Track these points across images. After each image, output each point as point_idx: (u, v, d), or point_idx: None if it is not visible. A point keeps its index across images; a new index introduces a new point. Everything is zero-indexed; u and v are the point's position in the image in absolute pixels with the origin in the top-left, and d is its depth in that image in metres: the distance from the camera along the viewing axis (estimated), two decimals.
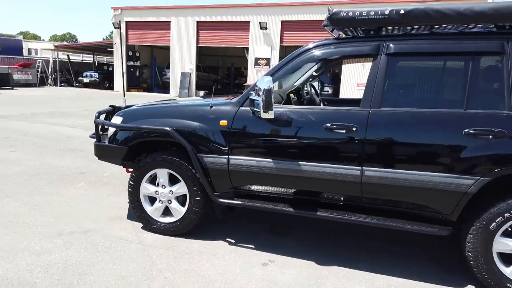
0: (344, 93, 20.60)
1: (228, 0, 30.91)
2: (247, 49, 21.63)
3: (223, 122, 3.38)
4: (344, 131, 3.06)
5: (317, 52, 3.30)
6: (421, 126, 2.94)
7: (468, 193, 2.84)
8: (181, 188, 3.60)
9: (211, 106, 3.49)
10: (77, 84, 28.06)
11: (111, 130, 3.86)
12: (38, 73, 26.84)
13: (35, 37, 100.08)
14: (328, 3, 20.07)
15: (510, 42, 2.84)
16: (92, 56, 33.18)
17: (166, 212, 3.74)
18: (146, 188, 3.72)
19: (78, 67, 31.41)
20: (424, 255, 3.56)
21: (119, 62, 24.43)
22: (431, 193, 2.93)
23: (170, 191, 3.64)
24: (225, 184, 3.48)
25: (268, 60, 21.26)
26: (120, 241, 3.53)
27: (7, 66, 24.28)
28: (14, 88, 23.33)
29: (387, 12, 3.02)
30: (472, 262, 2.93)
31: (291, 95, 4.28)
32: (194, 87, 23.02)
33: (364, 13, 3.08)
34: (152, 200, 3.77)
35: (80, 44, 31.89)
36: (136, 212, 3.79)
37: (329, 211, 3.22)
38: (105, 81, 26.70)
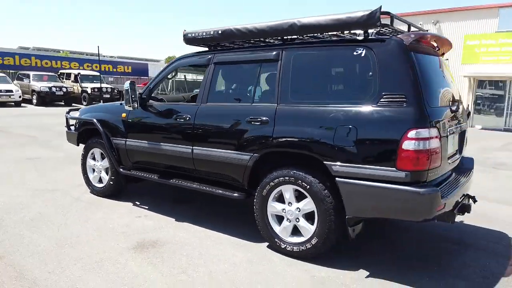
0: None
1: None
2: None
3: (124, 115, 4.78)
4: (182, 120, 4.19)
5: (176, 63, 4.50)
6: (225, 116, 3.92)
7: (248, 166, 3.71)
8: (105, 162, 5.10)
9: (121, 104, 4.92)
10: None
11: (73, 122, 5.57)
12: (158, 91, 31.53)
13: None
14: None
15: (284, 51, 3.67)
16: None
17: (101, 180, 5.26)
18: (89, 162, 5.31)
19: (192, 85, 35.71)
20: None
21: None
22: (229, 166, 3.87)
23: (101, 164, 5.16)
24: (126, 160, 4.85)
25: None
26: (66, 197, 5.16)
27: None
28: None
29: (212, 32, 4.09)
30: (257, 221, 3.76)
31: None
32: None
33: (200, 34, 4.20)
34: (94, 170, 5.33)
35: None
36: (85, 179, 5.40)
37: (177, 180, 4.34)
38: None
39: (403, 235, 4.25)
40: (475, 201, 3.82)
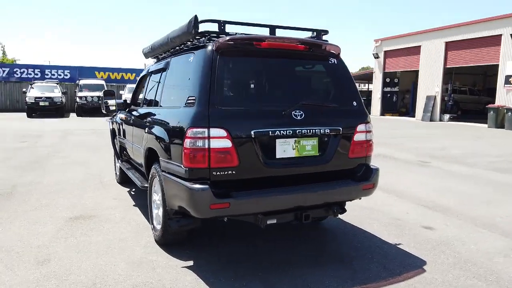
0: None
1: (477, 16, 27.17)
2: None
3: (122, 117, 5.98)
4: (131, 121, 5.11)
5: (141, 75, 5.42)
6: (140, 117, 4.67)
7: (144, 159, 4.34)
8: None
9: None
10: None
11: None
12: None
13: None
14: None
15: (171, 60, 4.18)
16: None
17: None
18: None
19: None
20: None
21: (376, 89, 26.58)
22: (139, 159, 4.58)
23: None
24: (122, 153, 6.04)
25: None
26: (97, 180, 6.69)
27: None
28: None
29: (150, 47, 4.89)
30: (148, 206, 4.34)
31: None
32: (438, 111, 22.17)
33: (147, 49, 5.04)
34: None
35: None
36: (114, 169, 6.85)
37: (129, 170, 5.26)
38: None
39: (280, 239, 4.05)
40: (337, 212, 3.51)
